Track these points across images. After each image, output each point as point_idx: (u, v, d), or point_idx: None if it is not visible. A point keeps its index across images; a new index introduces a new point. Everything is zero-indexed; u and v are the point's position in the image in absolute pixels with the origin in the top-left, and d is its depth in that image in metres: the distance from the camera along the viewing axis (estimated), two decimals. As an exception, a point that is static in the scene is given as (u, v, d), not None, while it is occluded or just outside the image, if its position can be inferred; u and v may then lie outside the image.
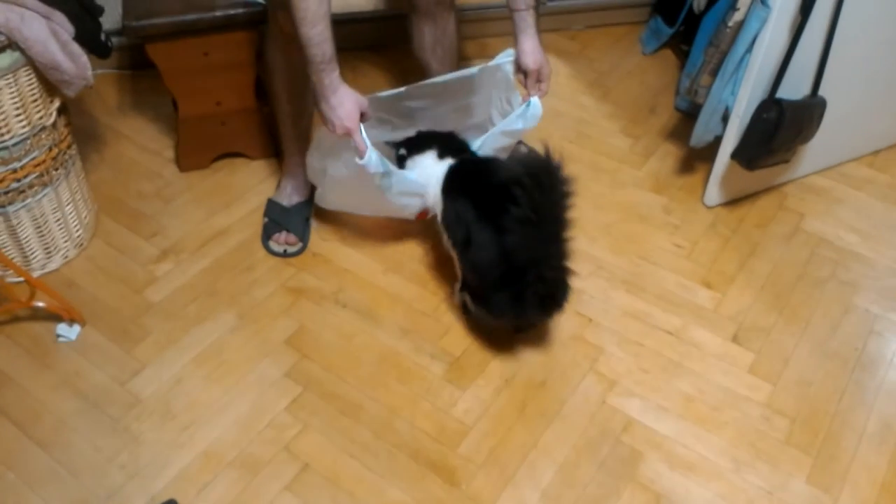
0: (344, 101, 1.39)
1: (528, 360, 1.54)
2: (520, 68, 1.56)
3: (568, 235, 1.40)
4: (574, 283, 1.67)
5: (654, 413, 1.46)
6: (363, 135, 1.44)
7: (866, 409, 1.48)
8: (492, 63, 1.59)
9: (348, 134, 1.42)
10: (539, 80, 1.56)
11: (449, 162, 1.56)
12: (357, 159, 1.45)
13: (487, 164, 1.59)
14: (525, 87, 1.59)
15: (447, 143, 1.60)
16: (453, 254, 1.54)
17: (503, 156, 1.69)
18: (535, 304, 1.42)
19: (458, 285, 1.62)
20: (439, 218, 1.55)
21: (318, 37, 1.34)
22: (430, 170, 1.56)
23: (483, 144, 1.64)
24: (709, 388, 1.50)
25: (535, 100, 1.56)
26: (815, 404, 1.48)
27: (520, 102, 1.60)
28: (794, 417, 1.46)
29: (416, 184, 1.56)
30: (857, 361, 1.57)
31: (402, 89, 1.59)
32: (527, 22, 1.51)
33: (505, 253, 1.38)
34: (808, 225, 1.86)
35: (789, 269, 1.76)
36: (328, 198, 1.69)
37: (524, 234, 1.35)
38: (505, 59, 1.58)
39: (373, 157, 1.45)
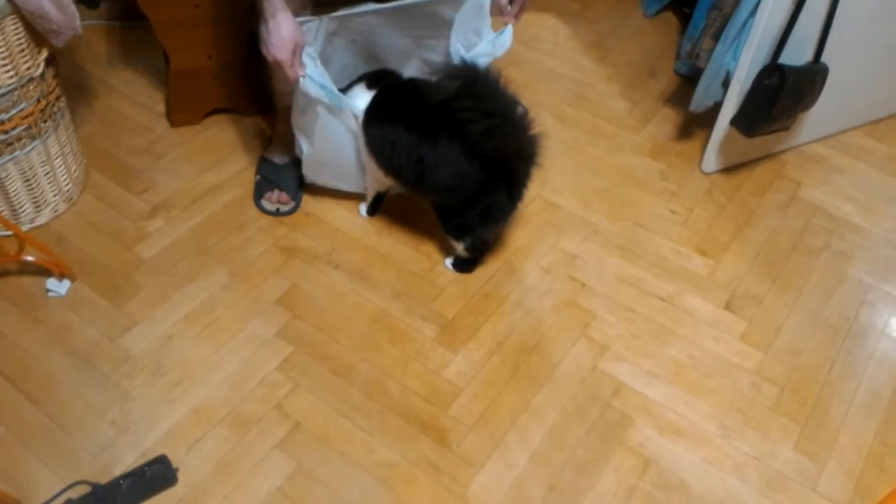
0: (281, 27, 1.37)
1: (520, 324, 1.54)
2: None
3: (522, 106, 1.42)
4: (568, 247, 1.68)
5: (645, 378, 1.46)
6: (306, 61, 1.43)
7: (856, 378, 1.49)
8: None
9: (277, 61, 1.40)
10: (519, 9, 1.52)
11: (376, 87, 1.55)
12: (301, 84, 1.44)
13: (413, 87, 1.56)
14: (503, 14, 1.54)
15: (378, 76, 1.59)
16: (386, 181, 1.58)
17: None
18: (525, 179, 1.50)
19: (448, 259, 1.63)
20: (366, 148, 1.54)
21: None
22: (359, 99, 1.54)
23: None
24: (700, 354, 1.51)
25: (510, 27, 1.53)
26: (804, 373, 1.49)
27: (488, 33, 1.53)
28: (784, 385, 1.47)
29: (354, 107, 1.53)
30: (848, 331, 1.57)
31: (365, 6, 1.52)
32: None
33: (485, 159, 1.42)
34: (804, 194, 1.85)
35: (784, 237, 1.75)
36: (310, 170, 1.68)
37: (497, 135, 1.39)
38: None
39: (306, 83, 1.43)
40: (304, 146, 1.60)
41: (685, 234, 1.74)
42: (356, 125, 1.55)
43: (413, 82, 1.59)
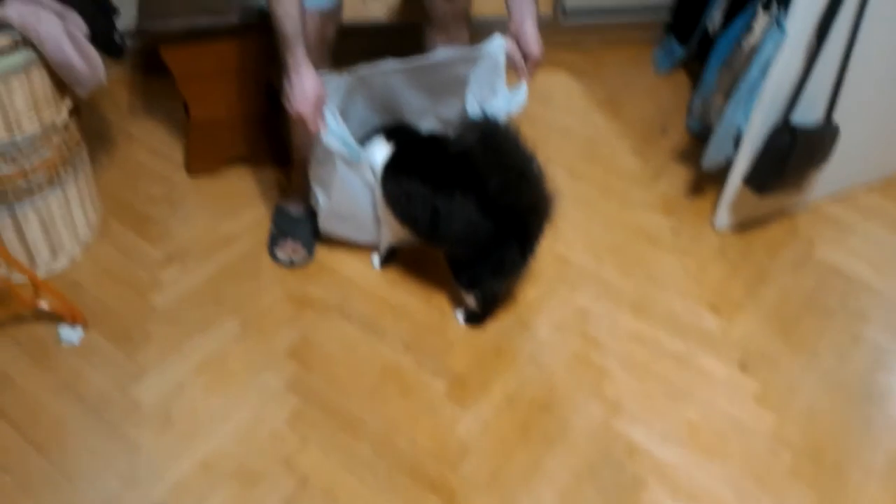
0: (303, 82, 1.40)
1: (532, 380, 1.53)
2: (515, 53, 1.53)
3: (537, 162, 1.43)
4: (580, 303, 1.68)
5: (658, 439, 1.44)
6: (327, 116, 1.45)
7: (873, 443, 1.46)
8: (481, 49, 1.54)
9: (299, 115, 1.42)
10: (532, 67, 1.55)
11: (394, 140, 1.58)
12: (322, 138, 1.46)
13: (430, 140, 1.60)
14: (517, 71, 1.56)
15: (396, 130, 1.62)
16: (401, 232, 1.58)
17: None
18: (537, 235, 1.50)
19: (459, 311, 1.63)
20: (383, 199, 1.56)
21: (282, 12, 1.35)
22: (377, 152, 1.57)
23: None
24: (714, 415, 1.49)
25: (525, 85, 1.55)
26: (821, 436, 1.47)
27: (503, 89, 1.56)
28: (800, 449, 1.44)
29: (372, 160, 1.56)
30: (864, 394, 1.55)
31: (384, 65, 1.54)
32: (531, 8, 1.50)
33: (499, 212, 1.43)
34: (817, 253, 1.85)
35: (798, 297, 1.74)
36: (326, 222, 1.69)
37: (513, 190, 1.41)
38: (495, 46, 1.53)
39: (328, 137, 1.46)
40: (321, 198, 1.62)
41: (698, 292, 1.73)
42: (373, 178, 1.57)
43: (430, 136, 1.62)
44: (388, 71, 1.52)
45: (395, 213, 1.55)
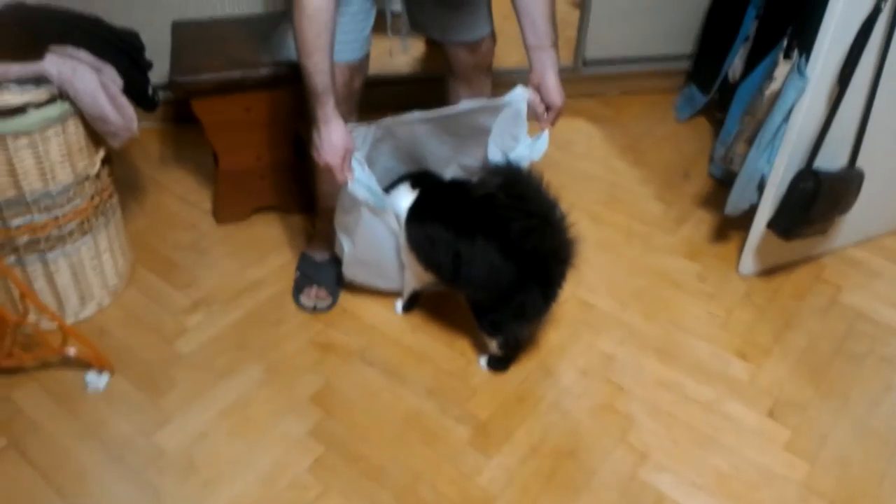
0: (331, 134, 1.43)
1: (557, 428, 1.51)
2: (538, 105, 1.55)
3: (560, 207, 1.44)
4: (604, 348, 1.66)
5: (687, 489, 1.41)
6: (354, 165, 1.48)
7: (910, 493, 1.42)
8: (504, 99, 1.57)
9: (328, 166, 1.45)
10: (554, 116, 1.56)
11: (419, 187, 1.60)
12: (349, 187, 1.49)
13: (453, 187, 1.62)
14: (538, 119, 1.57)
15: (420, 177, 1.64)
16: (425, 277, 1.60)
17: None
18: (560, 280, 1.51)
19: (483, 357, 1.62)
20: (408, 244, 1.58)
21: (313, 67, 1.38)
22: (402, 200, 1.59)
23: None
24: (744, 464, 1.45)
25: (546, 133, 1.56)
26: (854, 486, 1.42)
27: (525, 137, 1.57)
28: (833, 499, 1.40)
29: (397, 207, 1.58)
30: (899, 442, 1.51)
31: (409, 116, 1.57)
32: (552, 59, 1.51)
33: (521, 257, 1.44)
34: (845, 298, 1.82)
35: (826, 342, 1.71)
36: (349, 269, 1.71)
37: (536, 235, 1.41)
38: (517, 96, 1.56)
39: (354, 187, 1.48)
40: (346, 245, 1.64)
41: (724, 338, 1.71)
42: (398, 224, 1.59)
43: (453, 183, 1.64)
44: (412, 121, 1.55)
45: (419, 257, 1.56)
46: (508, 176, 1.41)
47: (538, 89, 1.54)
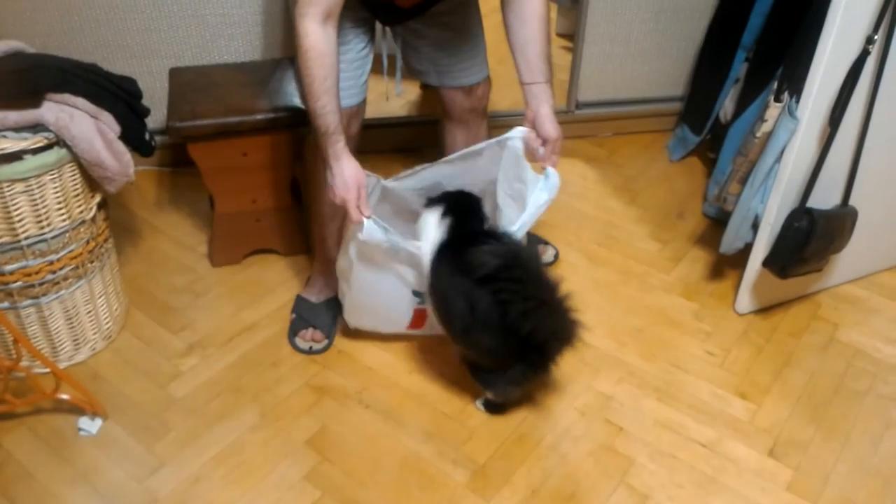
0: (343, 170, 1.43)
1: (556, 471, 1.49)
2: (533, 140, 1.55)
3: (561, 289, 1.44)
4: (603, 388, 1.65)
5: (689, 532, 1.39)
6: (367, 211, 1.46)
7: (916, 534, 1.40)
8: (500, 138, 1.58)
9: (344, 202, 1.44)
10: (553, 152, 1.54)
11: (446, 222, 1.55)
12: (359, 234, 1.46)
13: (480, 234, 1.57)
14: (538, 159, 1.57)
15: (457, 204, 1.59)
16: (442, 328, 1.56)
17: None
18: (556, 356, 1.49)
19: (479, 401, 1.61)
20: (429, 291, 1.54)
21: (321, 109, 1.39)
22: (429, 232, 1.55)
23: (521, 227, 1.59)
24: (746, 505, 1.43)
25: (551, 169, 1.54)
26: (860, 527, 1.41)
27: (532, 176, 1.57)
28: (839, 541, 1.38)
29: (415, 247, 1.54)
30: (902, 482, 1.49)
31: (410, 172, 1.59)
32: (546, 94, 1.52)
33: (519, 334, 1.41)
34: (843, 335, 1.82)
35: (826, 380, 1.70)
36: (352, 315, 1.70)
37: (533, 317, 1.39)
38: (514, 136, 1.57)
39: (370, 226, 1.46)
40: (346, 291, 1.63)
41: (723, 377, 1.70)
42: (410, 268, 1.57)
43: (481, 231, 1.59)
44: (415, 187, 1.57)
45: (435, 301, 1.53)
46: (507, 258, 1.40)
47: (533, 125, 1.54)
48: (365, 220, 1.46)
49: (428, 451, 1.52)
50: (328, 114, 1.40)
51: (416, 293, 1.62)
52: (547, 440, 1.54)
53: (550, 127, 1.52)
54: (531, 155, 1.57)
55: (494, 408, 1.60)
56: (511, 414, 1.60)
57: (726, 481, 1.47)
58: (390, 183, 1.59)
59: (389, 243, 1.50)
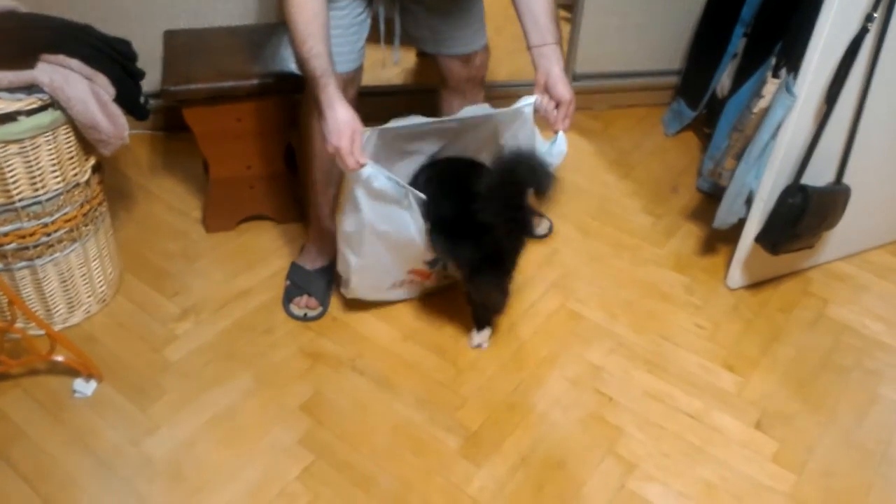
0: (337, 116, 1.38)
1: (546, 438, 1.51)
2: (547, 103, 1.53)
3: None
4: (593, 359, 1.67)
5: (675, 500, 1.41)
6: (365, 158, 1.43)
7: (895, 505, 1.43)
8: (513, 107, 1.55)
9: (337, 151, 1.39)
10: (566, 115, 1.52)
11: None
12: (362, 177, 1.43)
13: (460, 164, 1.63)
14: (550, 122, 1.55)
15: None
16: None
17: None
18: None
19: (473, 332, 1.67)
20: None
21: (307, 53, 1.36)
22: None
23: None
24: (731, 475, 1.46)
25: (561, 134, 1.53)
26: (840, 498, 1.44)
27: (541, 141, 1.56)
28: (820, 511, 1.41)
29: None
30: (883, 455, 1.52)
31: (417, 121, 1.54)
32: (557, 54, 1.49)
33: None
34: (832, 311, 1.84)
35: (813, 355, 1.73)
36: (359, 282, 1.66)
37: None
38: (525, 103, 1.55)
39: (372, 171, 1.42)
40: (351, 258, 1.59)
41: (712, 350, 1.72)
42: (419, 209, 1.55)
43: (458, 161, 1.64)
44: (415, 127, 1.52)
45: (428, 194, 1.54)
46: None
47: (545, 88, 1.51)
48: (363, 167, 1.41)
49: (420, 417, 1.54)
50: (315, 57, 1.36)
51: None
52: (538, 409, 1.57)
53: (563, 88, 1.49)
54: (543, 118, 1.54)
55: (478, 322, 1.65)
56: (503, 382, 1.61)
57: (712, 451, 1.50)
58: (392, 126, 1.52)
59: (394, 189, 1.46)
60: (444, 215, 1.53)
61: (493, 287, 1.60)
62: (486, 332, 1.68)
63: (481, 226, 1.44)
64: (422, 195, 1.52)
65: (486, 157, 1.61)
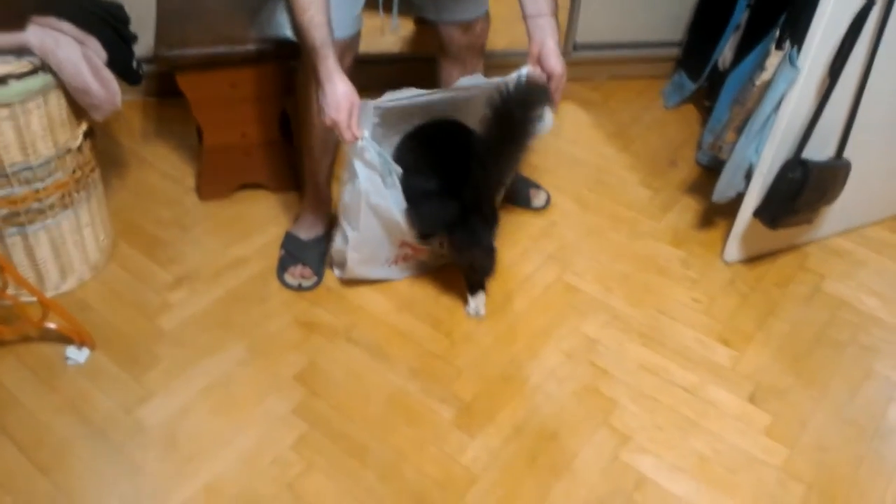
0: (335, 88, 1.37)
1: (540, 410, 1.51)
2: (538, 76, 1.52)
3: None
4: (589, 332, 1.67)
5: (668, 472, 1.42)
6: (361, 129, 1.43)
7: (885, 479, 1.44)
8: (504, 79, 1.53)
9: (334, 124, 1.39)
10: (556, 89, 1.52)
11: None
12: (358, 147, 1.44)
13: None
14: None
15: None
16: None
17: None
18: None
19: (469, 301, 1.68)
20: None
21: (308, 23, 1.34)
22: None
23: None
24: (724, 448, 1.47)
25: (548, 110, 1.53)
26: (832, 471, 1.44)
27: None
28: (811, 484, 1.42)
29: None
30: (876, 430, 1.53)
31: (412, 93, 1.55)
32: (552, 27, 1.48)
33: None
34: (828, 286, 1.84)
35: (808, 330, 1.73)
36: (357, 257, 1.66)
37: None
38: (517, 74, 1.52)
39: (367, 144, 1.43)
40: (350, 233, 1.59)
41: (708, 323, 1.72)
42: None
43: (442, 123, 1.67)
44: (411, 101, 1.52)
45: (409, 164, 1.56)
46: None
47: (538, 60, 1.50)
48: (359, 139, 1.41)
49: (415, 387, 1.54)
50: (315, 27, 1.34)
51: None
52: (532, 380, 1.57)
53: (555, 62, 1.48)
54: None
55: (475, 283, 1.67)
56: (498, 354, 1.61)
57: (706, 424, 1.51)
58: (387, 99, 1.53)
59: (382, 164, 1.47)
60: (416, 186, 1.54)
61: (475, 246, 1.59)
62: (481, 296, 1.68)
63: (450, 185, 1.48)
64: (399, 169, 1.52)
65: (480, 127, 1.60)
